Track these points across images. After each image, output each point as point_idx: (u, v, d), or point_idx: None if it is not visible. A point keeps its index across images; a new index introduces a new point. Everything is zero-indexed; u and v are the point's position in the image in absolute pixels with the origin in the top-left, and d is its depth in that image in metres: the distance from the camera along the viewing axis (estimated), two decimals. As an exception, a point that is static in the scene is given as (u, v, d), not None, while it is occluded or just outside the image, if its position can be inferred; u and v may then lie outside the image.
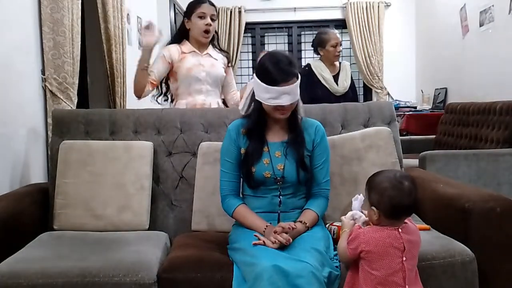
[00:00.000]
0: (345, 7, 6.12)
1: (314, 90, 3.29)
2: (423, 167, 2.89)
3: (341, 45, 3.40)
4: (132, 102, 3.61)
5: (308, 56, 6.49)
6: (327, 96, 3.29)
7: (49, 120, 2.35)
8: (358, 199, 1.58)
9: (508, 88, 3.77)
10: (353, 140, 2.00)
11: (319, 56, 3.46)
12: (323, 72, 3.38)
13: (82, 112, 2.20)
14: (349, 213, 1.57)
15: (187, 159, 2.11)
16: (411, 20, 6.16)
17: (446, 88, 5.06)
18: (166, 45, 2.56)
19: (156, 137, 2.13)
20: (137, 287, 1.49)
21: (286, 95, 1.59)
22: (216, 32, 2.59)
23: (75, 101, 2.55)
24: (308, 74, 3.35)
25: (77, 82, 2.59)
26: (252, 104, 1.73)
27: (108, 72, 3.26)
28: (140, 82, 2.36)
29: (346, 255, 1.44)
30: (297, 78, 1.63)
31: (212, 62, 2.50)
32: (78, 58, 2.61)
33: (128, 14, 3.83)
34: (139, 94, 2.40)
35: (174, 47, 2.48)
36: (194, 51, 2.48)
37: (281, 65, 1.60)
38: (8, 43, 2.19)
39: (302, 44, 6.49)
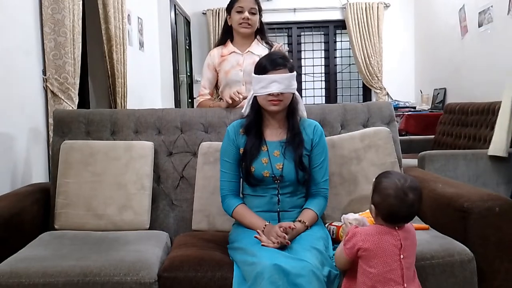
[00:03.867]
0: (345, 8, 6.13)
1: None
2: (422, 167, 2.90)
3: None
4: (132, 102, 3.63)
5: (308, 57, 6.52)
6: None
7: (50, 120, 2.36)
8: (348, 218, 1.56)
9: (507, 88, 3.77)
10: (352, 140, 2.01)
11: None
12: None
13: (83, 112, 2.20)
14: (351, 218, 1.55)
15: (187, 159, 2.12)
16: (410, 20, 6.17)
17: (445, 88, 5.07)
18: (213, 47, 2.52)
19: (156, 137, 2.14)
20: (137, 286, 1.50)
21: (276, 83, 1.65)
22: (262, 25, 2.45)
23: (76, 101, 2.56)
24: None
25: (78, 82, 2.60)
26: (251, 104, 1.77)
27: (109, 72, 3.27)
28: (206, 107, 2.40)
29: (343, 257, 1.43)
30: (290, 71, 1.69)
31: (254, 59, 2.26)
32: (79, 58, 2.62)
33: (128, 15, 3.84)
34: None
35: (216, 51, 2.44)
36: (234, 52, 2.40)
37: (272, 56, 1.73)
38: (10, 43, 2.20)
39: (302, 45, 6.50)
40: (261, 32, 2.44)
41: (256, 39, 2.43)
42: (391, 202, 1.38)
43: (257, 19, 2.39)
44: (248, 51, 2.38)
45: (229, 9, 2.39)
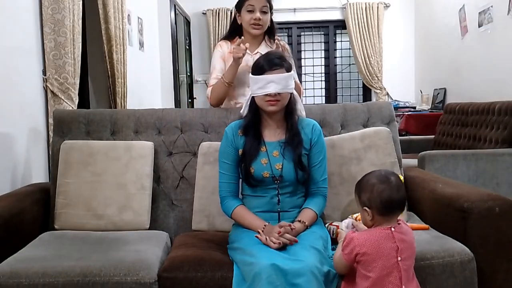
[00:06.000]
0: (345, 8, 6.13)
1: None
2: (422, 167, 2.90)
3: None
4: (132, 102, 3.63)
5: (308, 57, 6.52)
6: None
7: (50, 120, 2.36)
8: (346, 223, 1.64)
9: (506, 88, 3.78)
10: (352, 140, 2.01)
11: None
12: None
13: (83, 112, 2.20)
14: (343, 224, 1.62)
15: (187, 159, 2.12)
16: (410, 20, 6.18)
17: (445, 89, 5.08)
18: (219, 41, 2.40)
19: (156, 137, 2.14)
20: (137, 287, 1.50)
21: (273, 83, 1.65)
22: (273, 24, 2.32)
23: (76, 101, 2.57)
24: None
25: (78, 82, 2.60)
26: (249, 104, 1.77)
27: (109, 72, 3.28)
28: (222, 96, 2.22)
29: (342, 262, 1.44)
30: (287, 71, 1.69)
31: None
32: (79, 58, 2.62)
33: (128, 15, 3.85)
34: (217, 105, 2.26)
35: (225, 44, 2.31)
36: None
37: (269, 57, 1.73)
38: (10, 43, 2.20)
39: (302, 45, 6.50)
40: (271, 31, 2.31)
41: (264, 40, 2.33)
42: (380, 188, 1.42)
43: (269, 18, 2.25)
44: (257, 52, 2.28)
45: (238, 7, 2.25)
